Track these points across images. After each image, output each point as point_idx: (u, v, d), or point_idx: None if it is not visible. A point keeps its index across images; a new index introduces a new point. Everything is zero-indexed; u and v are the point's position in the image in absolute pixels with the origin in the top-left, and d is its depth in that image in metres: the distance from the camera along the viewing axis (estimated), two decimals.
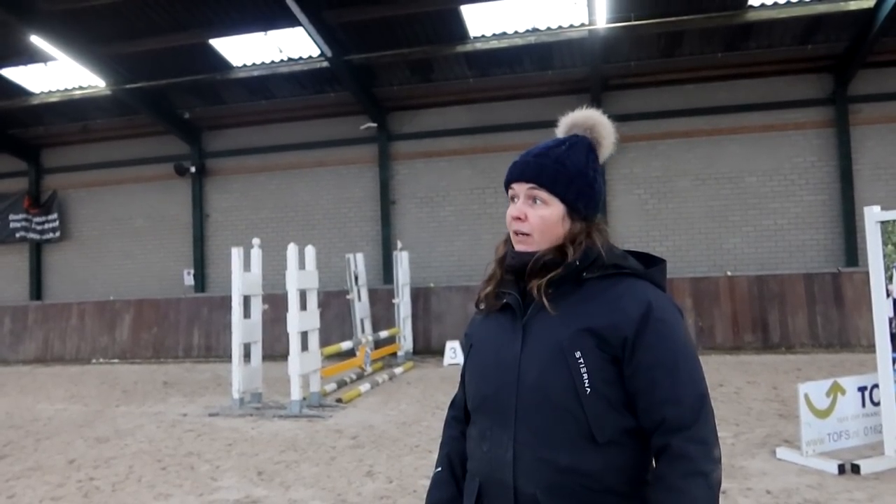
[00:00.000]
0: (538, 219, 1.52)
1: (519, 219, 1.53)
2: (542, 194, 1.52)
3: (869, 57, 11.97)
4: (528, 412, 1.45)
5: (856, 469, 5.03)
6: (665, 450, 1.39)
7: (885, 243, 5.29)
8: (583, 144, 1.58)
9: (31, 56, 12.77)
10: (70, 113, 15.26)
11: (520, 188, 1.55)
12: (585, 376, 1.41)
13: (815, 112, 12.79)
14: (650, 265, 1.56)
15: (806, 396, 5.40)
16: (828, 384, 5.55)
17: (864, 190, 12.39)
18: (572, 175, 1.53)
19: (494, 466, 1.49)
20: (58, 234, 16.25)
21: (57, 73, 13.65)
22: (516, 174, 1.57)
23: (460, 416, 1.71)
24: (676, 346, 1.44)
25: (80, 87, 14.13)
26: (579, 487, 1.41)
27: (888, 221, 5.28)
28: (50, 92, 14.41)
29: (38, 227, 16.29)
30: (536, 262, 1.50)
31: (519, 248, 1.55)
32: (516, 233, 1.55)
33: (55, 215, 16.24)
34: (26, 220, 16.28)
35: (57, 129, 15.91)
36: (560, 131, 1.64)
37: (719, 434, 1.44)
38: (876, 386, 5.48)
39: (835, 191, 12.64)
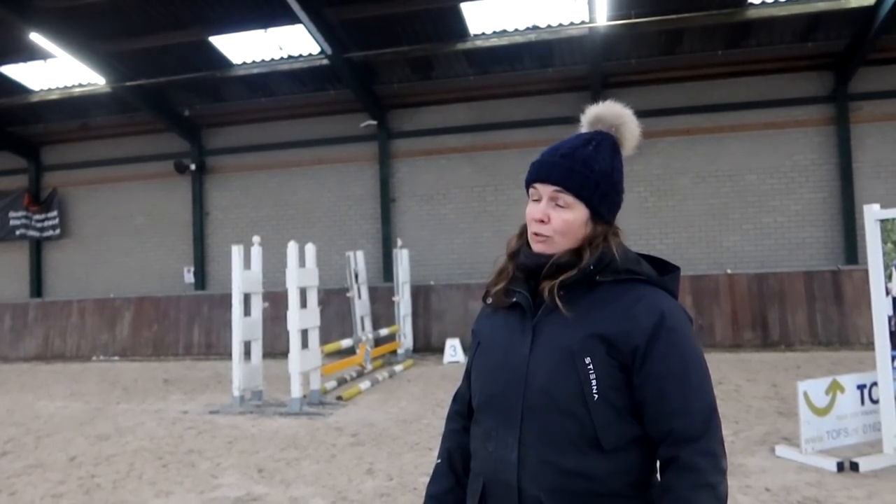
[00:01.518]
0: (561, 222, 1.49)
1: (542, 221, 1.50)
2: (567, 198, 1.49)
3: (869, 54, 11.97)
4: (534, 414, 1.44)
5: (854, 467, 5.04)
6: (673, 461, 1.38)
7: (884, 241, 5.29)
8: (608, 143, 1.54)
9: (30, 53, 12.76)
10: (70, 110, 15.25)
11: (544, 189, 1.51)
12: (594, 382, 1.40)
13: (816, 110, 12.79)
14: (664, 272, 1.54)
15: (805, 394, 5.41)
16: (827, 382, 5.56)
17: (864, 188, 12.39)
18: (598, 179, 1.50)
19: (499, 467, 1.48)
20: (58, 231, 16.24)
21: (56, 70, 13.65)
22: (542, 175, 1.52)
23: (462, 411, 1.70)
24: (687, 356, 1.42)
25: (80, 85, 14.12)
26: (584, 491, 1.40)
27: (888, 220, 5.29)
28: (49, 89, 14.41)
29: (38, 225, 16.29)
30: (552, 265, 1.48)
31: (537, 248, 1.52)
32: (536, 234, 1.51)
33: (55, 213, 16.24)
34: (26, 217, 16.28)
35: (57, 126, 15.90)
36: (585, 123, 1.59)
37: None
38: (875, 384, 5.49)
39: (835, 188, 12.64)
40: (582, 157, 1.50)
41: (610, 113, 1.56)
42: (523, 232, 1.59)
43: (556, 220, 1.49)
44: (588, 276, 1.47)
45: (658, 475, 1.48)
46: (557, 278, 1.46)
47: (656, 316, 1.42)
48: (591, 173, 1.49)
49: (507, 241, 1.62)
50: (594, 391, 1.40)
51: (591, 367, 1.40)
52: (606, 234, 1.51)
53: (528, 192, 1.57)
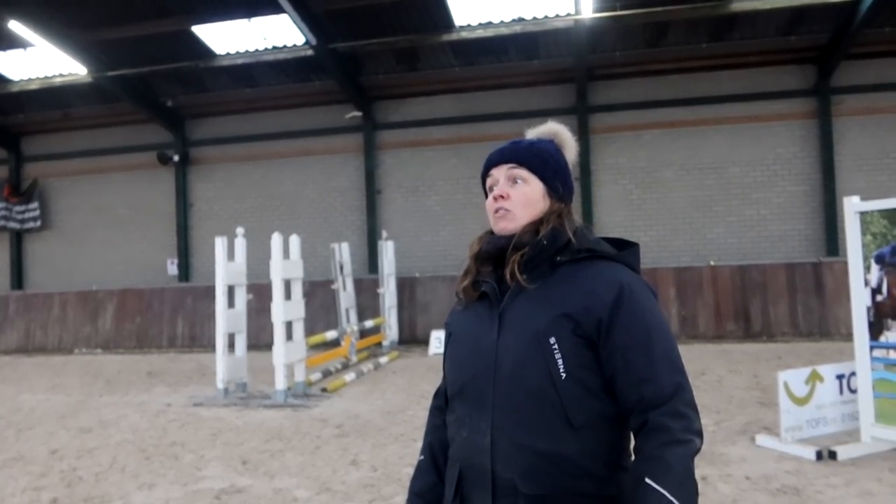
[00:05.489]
0: (520, 195, 1.59)
1: (501, 197, 1.59)
2: (522, 172, 1.60)
3: (851, 48, 12.07)
4: (504, 398, 1.47)
5: (833, 455, 5.11)
6: (643, 425, 1.41)
7: (863, 233, 5.36)
8: (550, 142, 1.68)
9: (9, 42, 12.56)
10: (50, 100, 15.05)
11: (499, 172, 1.63)
12: (560, 361, 1.44)
13: (798, 103, 12.89)
14: (623, 249, 1.60)
15: (785, 384, 5.49)
16: (807, 372, 5.63)
17: (845, 181, 12.52)
18: (547, 157, 1.63)
19: (473, 452, 1.51)
20: (39, 223, 16.05)
21: (37, 59, 13.44)
22: (494, 160, 1.66)
23: (443, 406, 1.73)
24: (650, 325, 1.46)
25: (61, 74, 13.93)
26: (556, 472, 1.43)
27: (867, 212, 5.35)
28: (30, 79, 14.20)
29: (19, 216, 16.09)
30: (513, 247, 1.54)
31: (500, 226, 1.59)
32: (498, 210, 1.59)
33: (36, 204, 16.04)
34: (6, 208, 16.06)
35: (37, 116, 15.70)
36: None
37: (701, 421, 1.45)
38: (854, 374, 5.57)
39: (816, 181, 12.77)
40: (528, 143, 1.67)
41: (545, 128, 1.73)
42: (484, 234, 1.67)
43: (516, 193, 1.60)
44: (547, 257, 1.53)
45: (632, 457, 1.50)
46: (518, 260, 1.53)
47: (616, 288, 1.47)
48: (539, 151, 1.64)
49: (469, 244, 1.69)
50: (561, 370, 1.43)
51: (555, 346, 1.44)
52: (561, 212, 1.60)
53: (485, 189, 1.69)
